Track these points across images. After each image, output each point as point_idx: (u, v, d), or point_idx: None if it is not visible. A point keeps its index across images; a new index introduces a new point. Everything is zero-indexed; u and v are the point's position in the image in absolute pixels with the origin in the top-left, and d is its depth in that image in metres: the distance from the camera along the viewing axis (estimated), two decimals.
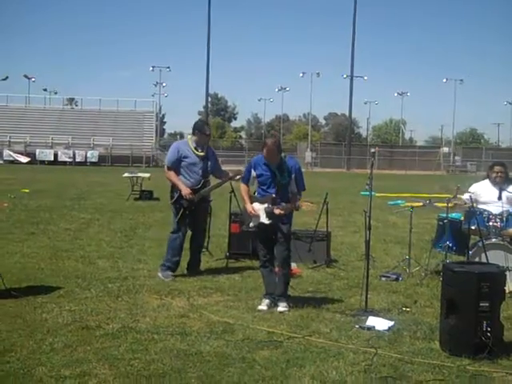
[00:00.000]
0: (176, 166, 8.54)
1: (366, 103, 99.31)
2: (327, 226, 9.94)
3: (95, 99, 68.47)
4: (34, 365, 4.92)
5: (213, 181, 8.86)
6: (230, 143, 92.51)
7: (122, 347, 5.38)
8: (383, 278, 8.55)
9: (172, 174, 8.56)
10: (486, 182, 8.89)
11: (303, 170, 7.21)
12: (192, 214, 8.60)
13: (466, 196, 8.67)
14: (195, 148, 8.53)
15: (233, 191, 9.64)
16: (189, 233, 8.80)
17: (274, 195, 6.87)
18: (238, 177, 8.38)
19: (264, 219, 6.90)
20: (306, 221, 13.85)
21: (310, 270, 9.16)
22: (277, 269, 7.10)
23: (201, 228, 8.79)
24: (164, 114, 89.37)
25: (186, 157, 8.51)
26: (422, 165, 64.92)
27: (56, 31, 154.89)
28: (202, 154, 8.54)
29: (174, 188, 8.59)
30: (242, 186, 7.24)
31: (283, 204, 6.82)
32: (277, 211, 6.80)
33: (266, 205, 6.89)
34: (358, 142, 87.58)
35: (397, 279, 8.51)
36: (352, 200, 21.52)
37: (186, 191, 8.43)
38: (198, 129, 8.58)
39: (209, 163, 8.63)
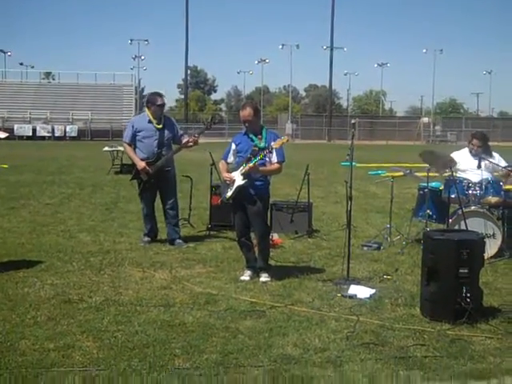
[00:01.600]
0: (133, 141, 8.67)
1: (346, 74, 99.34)
2: (308, 197, 9.98)
3: (73, 73, 67.60)
4: (18, 338, 4.91)
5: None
6: (210, 116, 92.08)
7: (105, 319, 5.39)
8: (365, 248, 8.62)
9: (128, 149, 8.74)
10: (466, 150, 8.94)
11: None
12: (155, 186, 8.69)
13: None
14: (150, 120, 8.58)
15: (213, 164, 9.62)
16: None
17: (249, 155, 6.77)
18: (190, 142, 8.47)
19: (239, 181, 6.78)
20: (288, 192, 13.90)
21: (292, 240, 9.21)
22: (255, 242, 7.11)
23: (170, 199, 8.78)
24: (143, 87, 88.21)
25: (140, 130, 8.62)
26: (403, 135, 65.08)
27: (31, 4, 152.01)
28: (159, 126, 8.59)
29: (132, 163, 8.76)
30: (221, 163, 7.16)
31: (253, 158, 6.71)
32: (248, 166, 6.69)
33: (241, 167, 6.81)
34: (339, 114, 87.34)
35: (378, 248, 8.58)
36: (333, 171, 21.60)
37: (140, 165, 8.56)
38: (151, 101, 8.63)
39: (165, 134, 8.64)
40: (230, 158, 7.05)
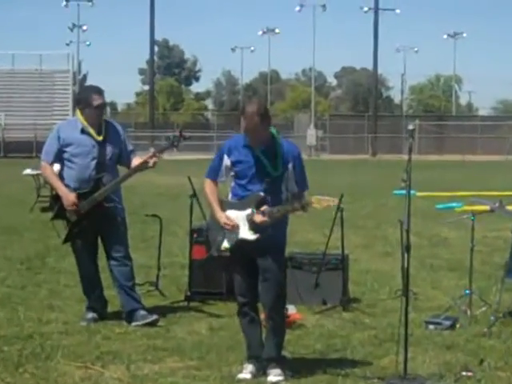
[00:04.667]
0: (57, 160, 8.79)
1: (398, 51, 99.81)
2: (343, 246, 9.95)
3: None
4: None
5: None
6: (191, 118, 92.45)
7: None
8: (431, 326, 8.61)
9: (49, 172, 8.84)
10: None
11: (304, 157, 7.17)
12: (92, 230, 8.78)
13: None
14: (84, 129, 8.68)
15: (194, 195, 9.63)
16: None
17: (261, 194, 6.80)
18: (150, 163, 8.57)
19: (246, 233, 6.82)
20: (311, 238, 13.91)
21: (318, 315, 9.22)
22: (263, 317, 7.13)
23: (117, 250, 8.83)
24: (86, 73, 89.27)
25: (69, 144, 8.70)
26: (489, 145, 65.15)
27: None
28: (99, 138, 8.70)
29: (54, 193, 8.83)
30: (207, 184, 7.11)
31: (269, 209, 6.74)
32: (258, 219, 6.74)
33: (248, 210, 6.82)
34: (389, 113, 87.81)
35: (452, 327, 8.57)
36: (381, 203, 21.63)
37: (67, 198, 8.59)
38: (83, 101, 8.77)
39: (108, 150, 8.75)
40: (222, 178, 7.09)
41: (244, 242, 6.86)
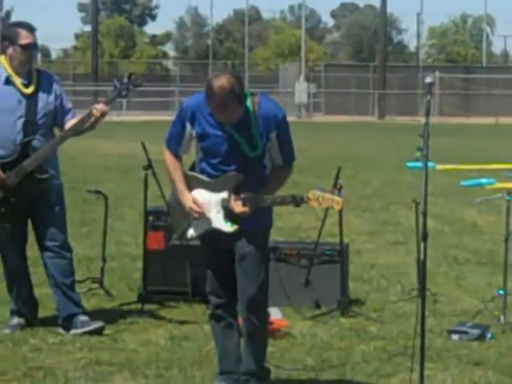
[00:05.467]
0: None
1: None
2: (341, 234, 9.92)
3: None
4: None
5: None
6: (145, 68, 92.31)
7: None
8: (455, 336, 8.60)
9: None
10: None
11: (291, 119, 7.09)
12: (21, 212, 8.72)
13: None
14: (9, 79, 8.61)
15: (150, 166, 9.56)
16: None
17: (241, 174, 6.73)
18: (93, 116, 8.45)
19: (221, 223, 6.79)
20: (300, 223, 13.87)
21: (310, 321, 9.22)
22: (241, 321, 7.08)
23: (53, 237, 8.78)
24: (10, 10, 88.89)
25: None
26: None
27: None
28: (27, 90, 8.61)
29: None
30: (168, 156, 7.05)
31: (253, 197, 6.69)
32: (237, 208, 6.69)
33: (223, 193, 6.78)
34: (401, 63, 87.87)
35: (482, 337, 8.56)
36: (390, 179, 21.69)
37: None
38: (9, 37, 8.65)
39: (40, 105, 8.67)
40: (183, 148, 7.01)
41: (216, 232, 6.83)
